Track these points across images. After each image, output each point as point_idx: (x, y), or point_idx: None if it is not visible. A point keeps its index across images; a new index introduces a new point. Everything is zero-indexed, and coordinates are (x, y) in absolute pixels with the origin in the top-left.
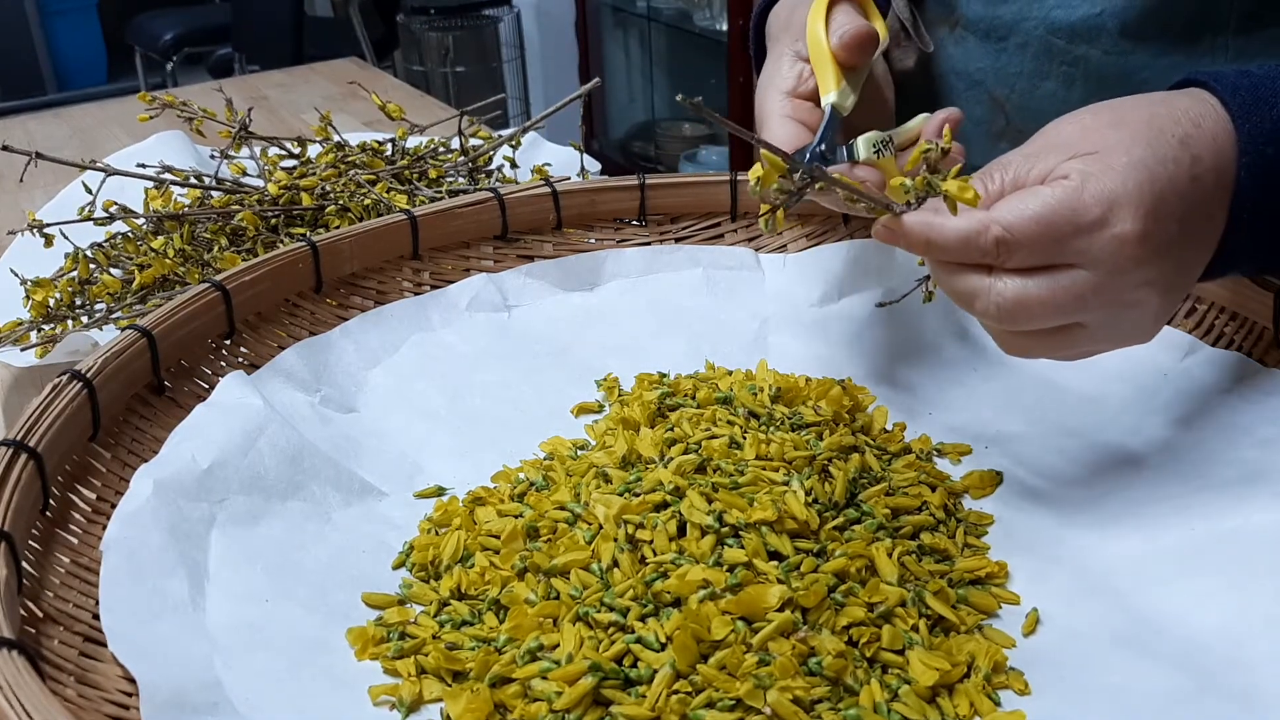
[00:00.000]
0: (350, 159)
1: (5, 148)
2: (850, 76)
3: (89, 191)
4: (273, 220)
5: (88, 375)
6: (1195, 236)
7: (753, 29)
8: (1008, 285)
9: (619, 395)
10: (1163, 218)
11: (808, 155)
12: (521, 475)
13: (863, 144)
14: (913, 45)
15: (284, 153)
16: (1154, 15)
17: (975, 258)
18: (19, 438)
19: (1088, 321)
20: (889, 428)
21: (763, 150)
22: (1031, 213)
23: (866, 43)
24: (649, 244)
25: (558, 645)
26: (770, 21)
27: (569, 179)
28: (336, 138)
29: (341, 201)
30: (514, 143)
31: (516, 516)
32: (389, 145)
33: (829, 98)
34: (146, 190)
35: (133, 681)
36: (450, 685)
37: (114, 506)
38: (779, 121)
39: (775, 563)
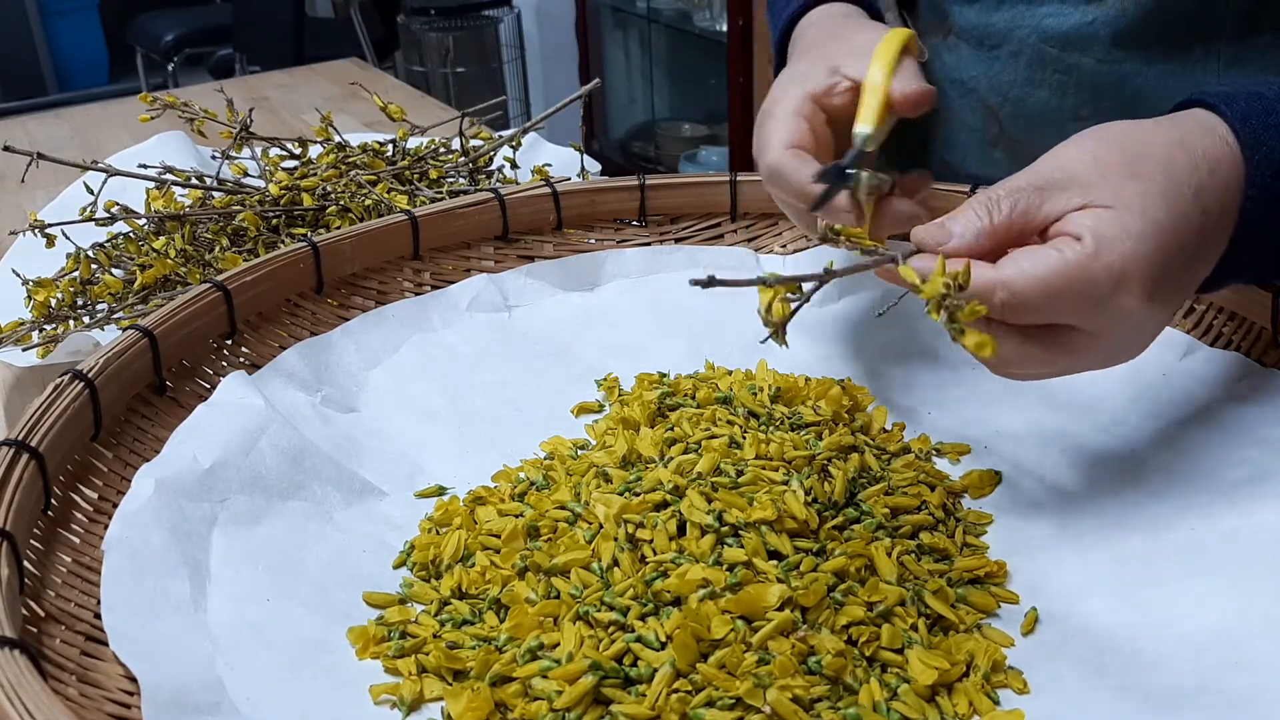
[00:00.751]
0: (351, 160)
1: (7, 148)
2: (886, 123)
3: (90, 192)
4: (274, 221)
5: (89, 375)
6: (1196, 273)
7: (777, 37)
8: (1005, 343)
9: (619, 395)
10: (1169, 277)
11: (832, 171)
12: (522, 475)
13: (864, 183)
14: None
15: (285, 153)
16: (1146, 23)
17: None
18: (21, 437)
19: (1085, 368)
20: (888, 427)
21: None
22: (1039, 279)
23: (924, 103)
24: (649, 244)
25: (558, 644)
26: (799, 35)
27: (569, 179)
28: (337, 138)
29: (342, 202)
30: (514, 143)
31: (517, 516)
32: (390, 146)
33: (864, 129)
34: (148, 191)
35: (134, 681)
36: (451, 684)
37: (115, 506)
38: (791, 116)
39: (775, 562)
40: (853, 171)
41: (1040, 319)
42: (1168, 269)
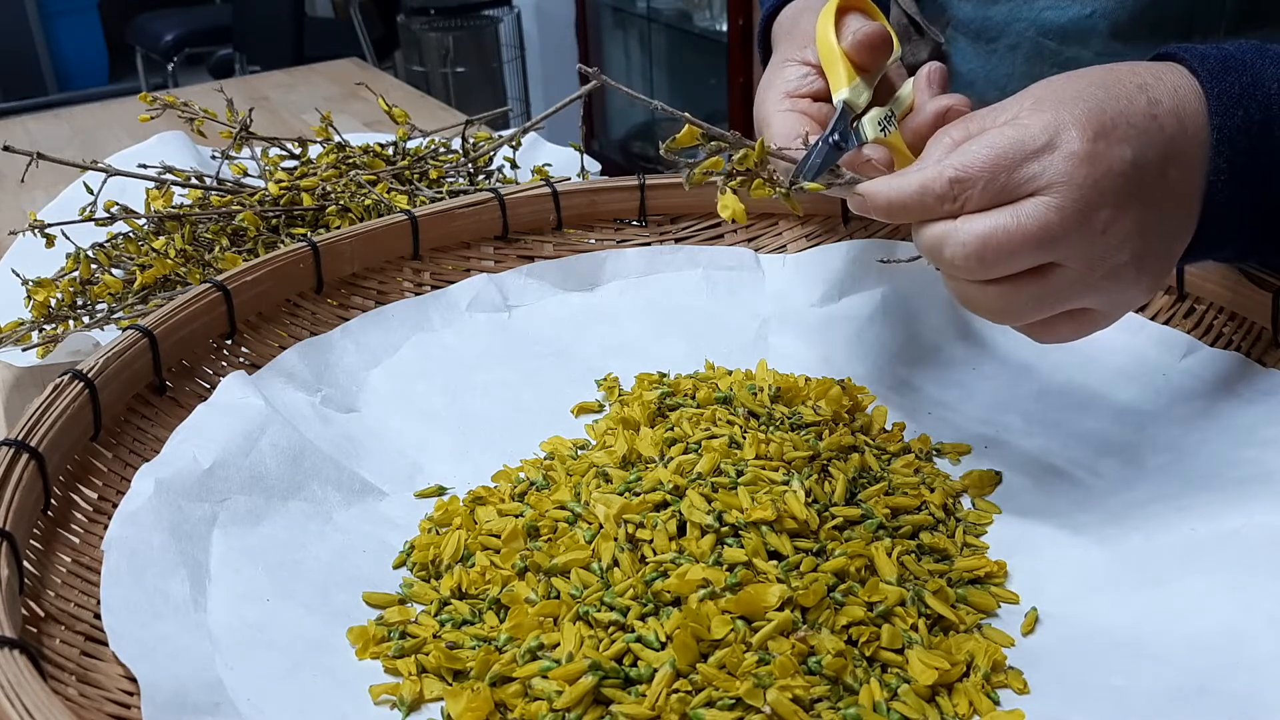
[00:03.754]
0: (351, 160)
1: (6, 148)
2: (864, 78)
3: (90, 192)
4: (273, 220)
5: (89, 375)
6: (1164, 184)
7: (759, 35)
8: (971, 223)
9: (619, 395)
10: (1113, 140)
11: (820, 144)
12: (522, 475)
13: (868, 124)
14: (925, 40)
15: (285, 153)
16: (1145, 16)
17: (935, 205)
18: (20, 437)
19: (1062, 260)
20: (889, 428)
21: (691, 124)
22: (981, 148)
23: (879, 43)
24: (649, 244)
25: (558, 644)
26: (775, 30)
27: (569, 179)
28: (337, 138)
29: (342, 202)
30: (514, 143)
31: (517, 516)
32: (390, 148)
33: (841, 94)
34: (148, 190)
35: (134, 681)
36: (451, 684)
37: (115, 506)
38: (779, 117)
39: (775, 562)
40: (849, 134)
41: (995, 192)
42: (1106, 127)
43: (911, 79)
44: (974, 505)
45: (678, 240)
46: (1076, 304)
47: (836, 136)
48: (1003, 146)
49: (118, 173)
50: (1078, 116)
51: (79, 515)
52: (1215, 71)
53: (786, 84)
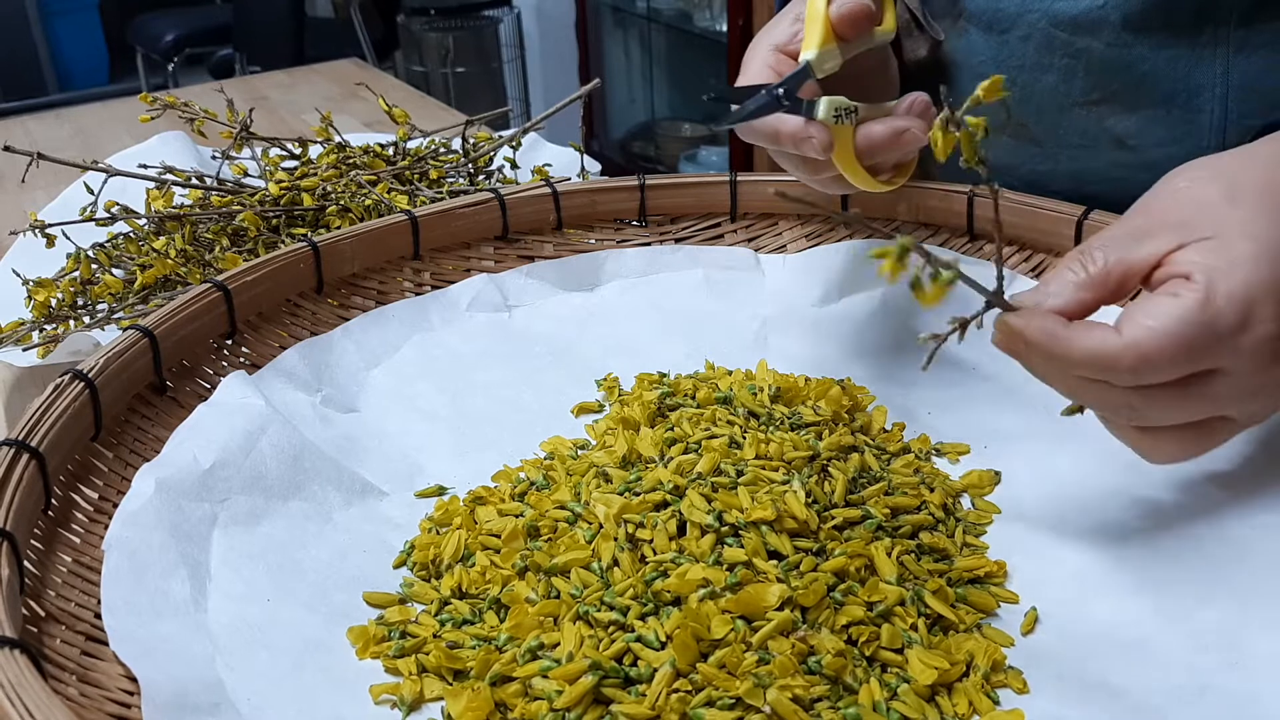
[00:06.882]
0: (351, 160)
1: (7, 148)
2: (841, 47)
3: (90, 192)
4: (274, 221)
5: (89, 375)
6: None
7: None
8: (1142, 400)
9: (619, 395)
10: None
11: (763, 93)
12: (522, 475)
13: (824, 104)
14: (925, 35)
15: (285, 153)
16: (1157, 7)
17: (1107, 375)
18: (21, 437)
19: (1228, 414)
20: (888, 427)
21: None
22: (1163, 331)
23: (860, 18)
24: (649, 244)
25: (558, 644)
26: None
27: (569, 179)
28: (337, 138)
29: (342, 202)
30: (514, 143)
31: (517, 516)
32: (391, 148)
33: (807, 54)
34: (148, 191)
35: (135, 681)
36: (451, 684)
37: (116, 506)
38: (758, 68)
39: (775, 562)
40: (803, 100)
41: (1175, 374)
42: None
43: (897, 102)
44: (974, 505)
45: (678, 240)
46: (1228, 438)
47: (781, 91)
48: (1189, 330)
49: (118, 173)
50: (1265, 285)
51: (79, 515)
52: None
53: (778, 36)
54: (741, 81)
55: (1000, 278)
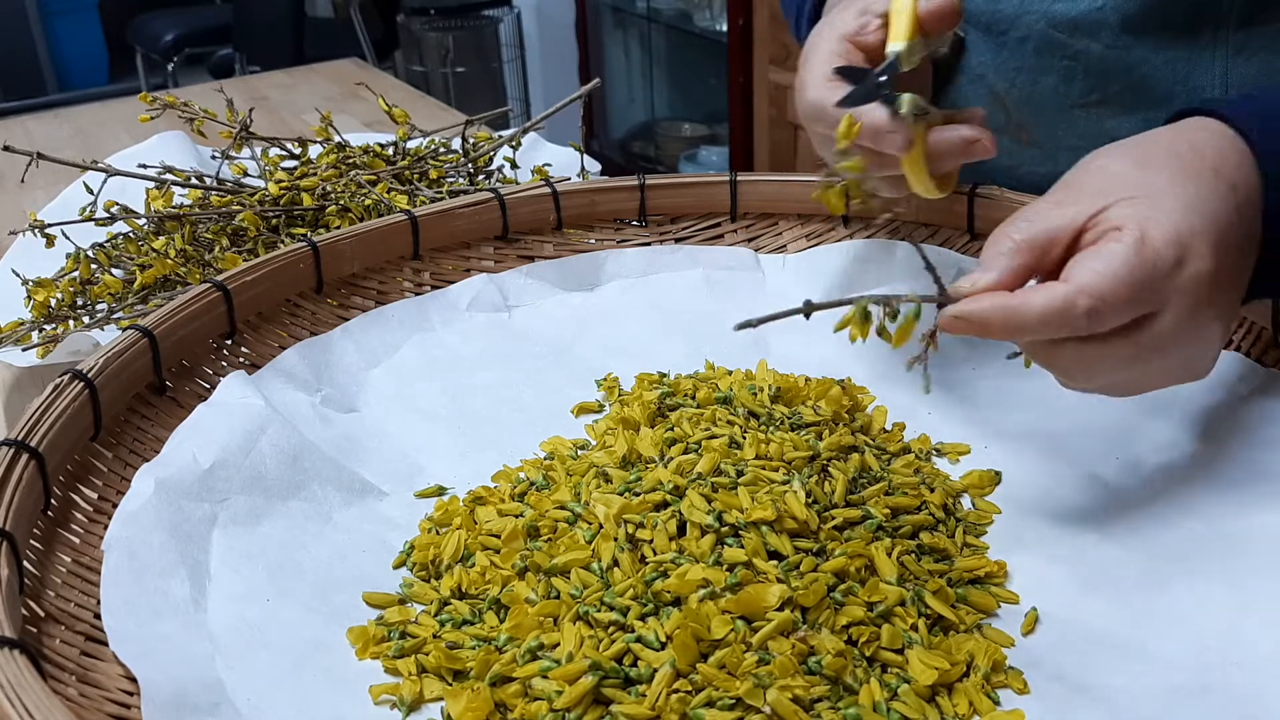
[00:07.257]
0: (351, 160)
1: (6, 148)
2: (924, 41)
3: (90, 192)
4: (273, 220)
5: (89, 375)
6: (1247, 264)
7: (810, 6)
8: (1090, 349)
9: (619, 395)
10: (1229, 250)
11: (870, 79)
12: (522, 475)
13: (908, 101)
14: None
15: (285, 153)
16: (1155, 9)
17: (1064, 333)
18: (20, 437)
19: (1158, 362)
20: (888, 427)
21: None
22: (1110, 272)
23: (949, 13)
24: (649, 244)
25: (558, 644)
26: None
27: (569, 179)
28: (337, 138)
29: (342, 202)
30: (514, 143)
31: (517, 516)
32: (390, 148)
33: (895, 45)
34: (148, 190)
35: (134, 681)
36: (451, 684)
37: (115, 506)
38: (826, 56)
39: (775, 562)
40: (889, 92)
41: (1125, 316)
42: (1221, 239)
43: (959, 110)
44: (974, 505)
45: (678, 240)
46: (1147, 388)
47: (884, 78)
48: (1135, 270)
49: (118, 173)
50: (1197, 229)
51: (79, 515)
52: (1256, 126)
53: (845, 26)
54: (807, 71)
55: (938, 280)
